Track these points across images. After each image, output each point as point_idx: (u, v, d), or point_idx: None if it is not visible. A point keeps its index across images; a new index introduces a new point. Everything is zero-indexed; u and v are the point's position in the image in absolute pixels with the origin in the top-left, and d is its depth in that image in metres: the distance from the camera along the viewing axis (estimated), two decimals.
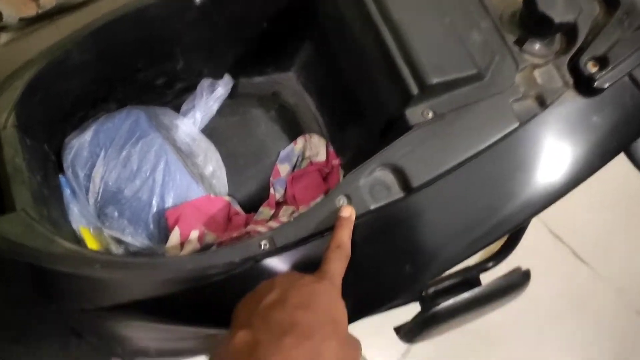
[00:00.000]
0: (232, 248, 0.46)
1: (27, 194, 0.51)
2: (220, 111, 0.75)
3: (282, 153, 0.76)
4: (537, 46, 0.55)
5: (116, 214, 0.65)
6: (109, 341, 0.60)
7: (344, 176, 0.72)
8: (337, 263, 0.41)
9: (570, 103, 0.54)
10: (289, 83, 0.79)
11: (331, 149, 0.75)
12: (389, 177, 0.49)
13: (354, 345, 0.38)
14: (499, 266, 0.80)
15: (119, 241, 0.65)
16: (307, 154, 0.75)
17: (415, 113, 0.52)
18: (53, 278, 0.50)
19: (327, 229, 0.46)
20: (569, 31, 0.56)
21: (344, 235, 0.44)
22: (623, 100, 0.56)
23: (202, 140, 0.74)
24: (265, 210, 0.71)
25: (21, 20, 0.63)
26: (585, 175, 0.55)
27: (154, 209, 0.65)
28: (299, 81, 0.79)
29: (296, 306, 0.36)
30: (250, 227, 0.64)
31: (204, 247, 0.64)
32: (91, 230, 0.62)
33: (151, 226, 0.65)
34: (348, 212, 0.46)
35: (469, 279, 0.70)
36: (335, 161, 0.74)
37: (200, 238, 0.64)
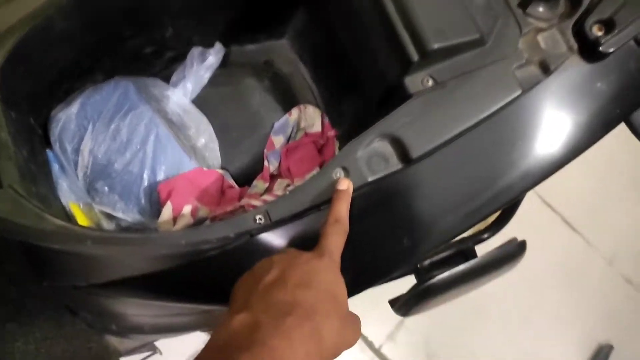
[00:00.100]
0: (226, 222, 0.45)
1: (13, 169, 0.49)
2: (211, 81, 0.73)
3: (277, 124, 0.74)
4: (541, 9, 0.53)
5: (106, 189, 0.63)
6: (103, 318, 0.60)
7: (340, 148, 0.71)
8: (336, 238, 0.40)
9: (575, 69, 0.53)
10: (282, 51, 0.77)
11: (326, 120, 0.73)
12: (387, 149, 0.48)
13: (354, 321, 0.38)
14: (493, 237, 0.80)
15: (109, 217, 0.64)
16: (302, 125, 0.74)
17: (415, 81, 0.50)
18: (44, 255, 0.50)
19: (324, 202, 0.45)
20: None
21: (342, 209, 0.43)
22: (628, 66, 0.54)
23: (193, 112, 0.72)
24: (259, 184, 0.70)
25: None
26: (587, 144, 0.54)
27: (145, 183, 0.64)
28: (293, 49, 0.77)
29: (296, 285, 0.35)
30: (245, 201, 0.63)
31: (197, 222, 0.63)
32: (81, 205, 0.61)
33: (142, 201, 0.64)
34: (345, 185, 0.45)
35: (465, 250, 0.70)
36: (331, 132, 0.73)
37: (193, 212, 0.62)
